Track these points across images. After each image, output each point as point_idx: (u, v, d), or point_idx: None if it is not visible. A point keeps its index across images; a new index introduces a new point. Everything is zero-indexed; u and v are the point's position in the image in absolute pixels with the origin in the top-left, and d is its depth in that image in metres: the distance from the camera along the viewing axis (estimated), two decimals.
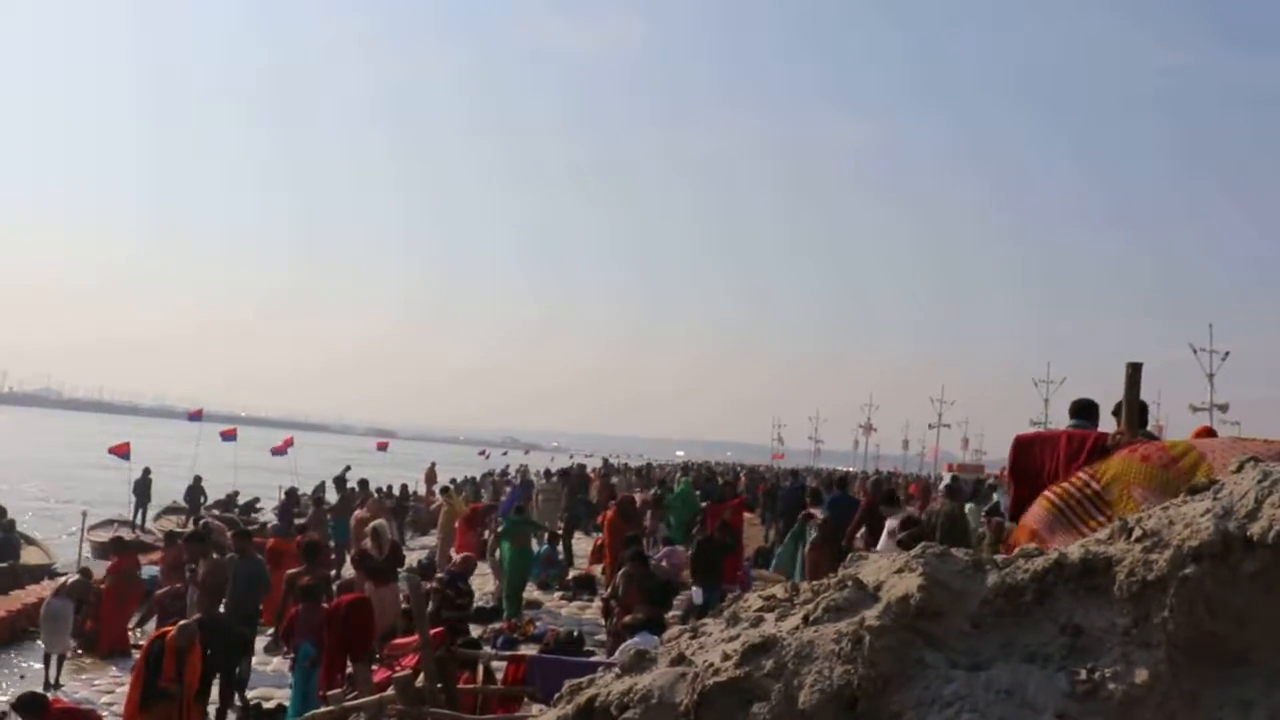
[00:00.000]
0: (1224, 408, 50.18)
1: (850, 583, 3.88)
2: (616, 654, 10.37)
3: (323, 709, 7.92)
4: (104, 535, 28.50)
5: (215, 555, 13.91)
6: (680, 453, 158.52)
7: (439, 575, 13.38)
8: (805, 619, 3.88)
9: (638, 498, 23.21)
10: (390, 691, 7.70)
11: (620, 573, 12.47)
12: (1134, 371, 7.22)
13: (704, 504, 20.51)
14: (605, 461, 49.59)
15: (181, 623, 10.76)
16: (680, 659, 3.88)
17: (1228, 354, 48.95)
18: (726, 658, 3.69)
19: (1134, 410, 7.09)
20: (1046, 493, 6.78)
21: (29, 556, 22.97)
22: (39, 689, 13.55)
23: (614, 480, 36.93)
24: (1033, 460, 7.75)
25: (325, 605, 11.28)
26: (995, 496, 35.67)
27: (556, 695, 4.40)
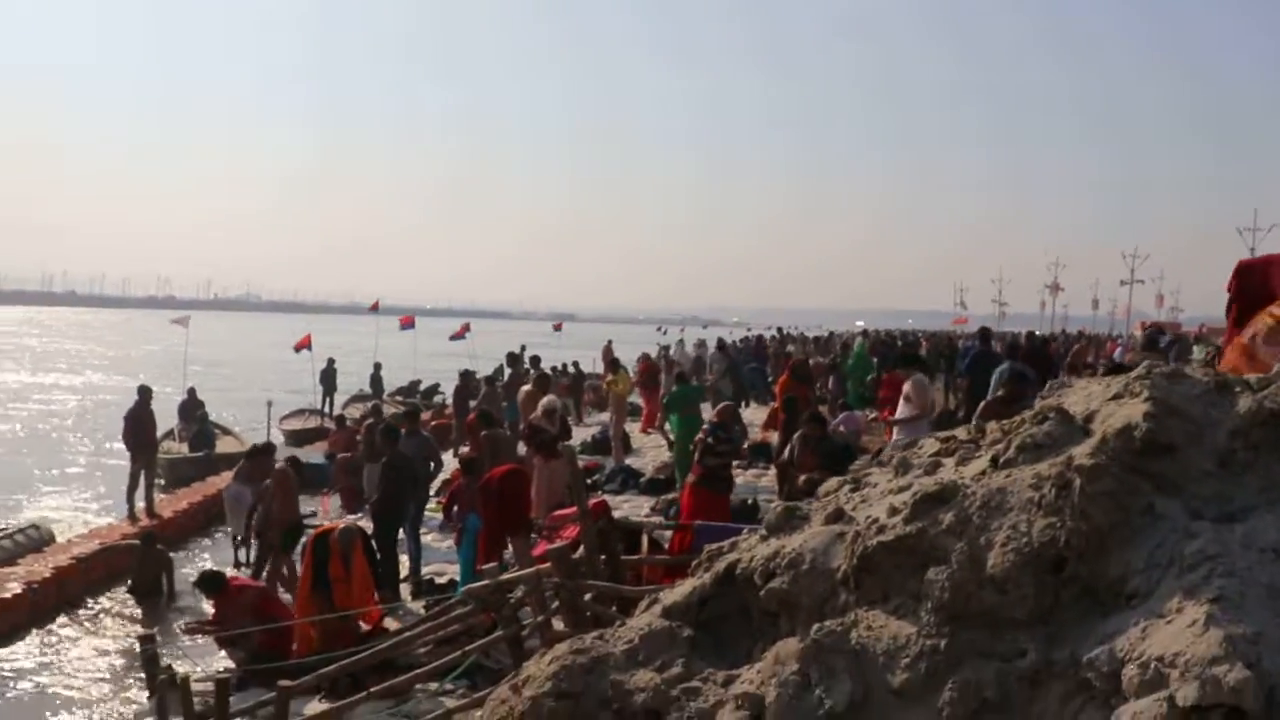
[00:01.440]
0: None
1: (1052, 414, 3.07)
2: None
3: (479, 583, 7.56)
4: (296, 424, 29.51)
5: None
6: (860, 322, 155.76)
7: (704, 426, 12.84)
8: (994, 461, 3.12)
9: (812, 362, 22.45)
10: (548, 564, 7.26)
11: (796, 435, 11.74)
12: None
13: (882, 371, 19.50)
14: (780, 330, 48.58)
15: (343, 525, 10.66)
16: (839, 515, 3.23)
17: None
18: (894, 511, 3.01)
19: None
20: (1272, 308, 5.81)
21: (224, 446, 23.76)
22: (228, 568, 13.89)
23: (790, 349, 36.05)
24: (1259, 286, 6.72)
25: None
26: (1196, 351, 33.46)
27: (694, 561, 3.87)
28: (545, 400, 14.38)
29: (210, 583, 10.11)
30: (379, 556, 11.36)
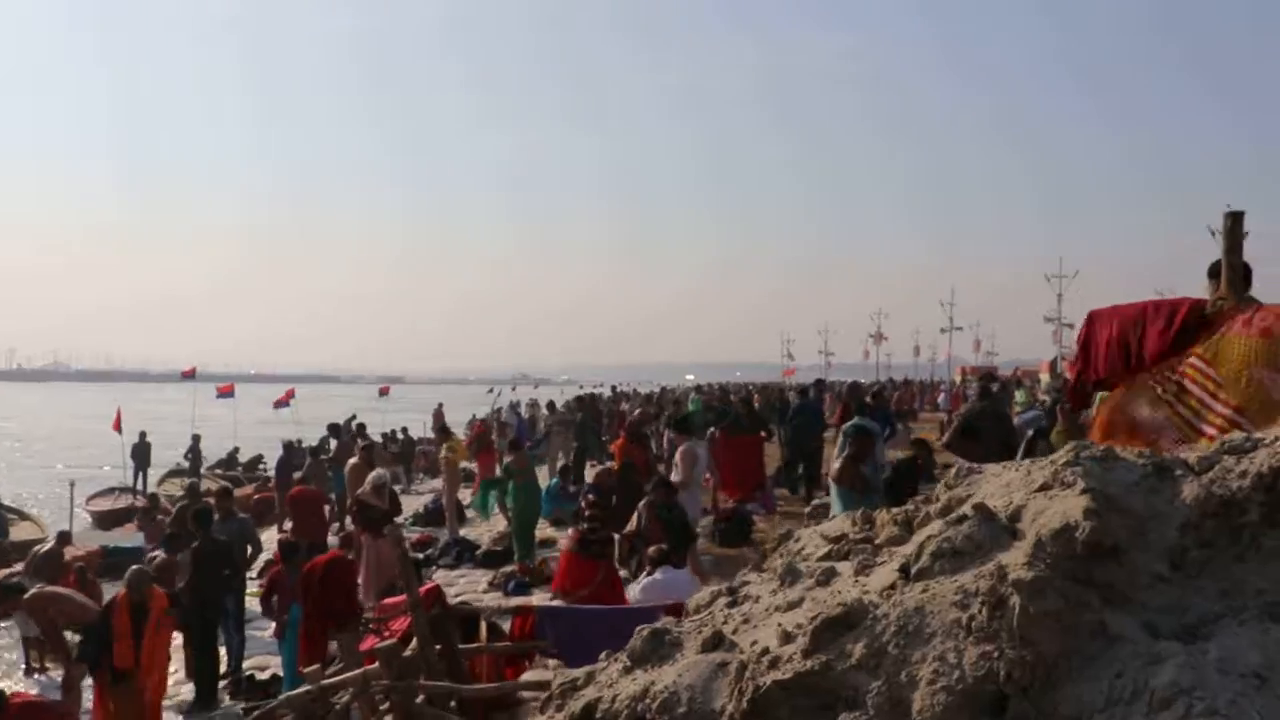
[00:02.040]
0: None
1: (971, 512, 2.64)
2: (637, 592, 9.28)
3: (298, 690, 6.78)
4: (104, 504, 27.45)
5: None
6: (690, 376, 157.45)
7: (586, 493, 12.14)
8: (904, 571, 2.65)
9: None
10: (375, 664, 6.55)
11: (642, 503, 11.20)
12: (1234, 222, 5.94)
13: (716, 433, 19.15)
14: (614, 389, 48.35)
15: (134, 567, 9.65)
16: (718, 640, 2.68)
17: (1247, 234, 47.11)
18: (788, 638, 2.51)
19: (1237, 270, 5.83)
20: (1149, 380, 5.53)
21: (20, 532, 21.81)
22: (21, 673, 12.52)
23: (624, 406, 35.67)
24: (1109, 335, 6.50)
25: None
26: (1019, 394, 34.55)
27: (544, 697, 3.29)
28: (373, 475, 13.59)
29: None
30: (195, 653, 10.36)
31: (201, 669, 10.77)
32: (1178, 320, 5.96)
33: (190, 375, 35.73)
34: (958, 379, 64.14)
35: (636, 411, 28.50)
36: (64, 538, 14.44)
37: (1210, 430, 5.21)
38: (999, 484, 2.70)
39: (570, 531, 10.94)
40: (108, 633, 9.04)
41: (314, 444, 25.09)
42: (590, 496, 11.51)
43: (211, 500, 13.88)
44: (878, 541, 2.91)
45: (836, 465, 9.76)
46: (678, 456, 13.89)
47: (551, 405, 30.76)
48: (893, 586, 2.45)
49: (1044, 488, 2.52)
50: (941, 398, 45.67)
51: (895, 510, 3.05)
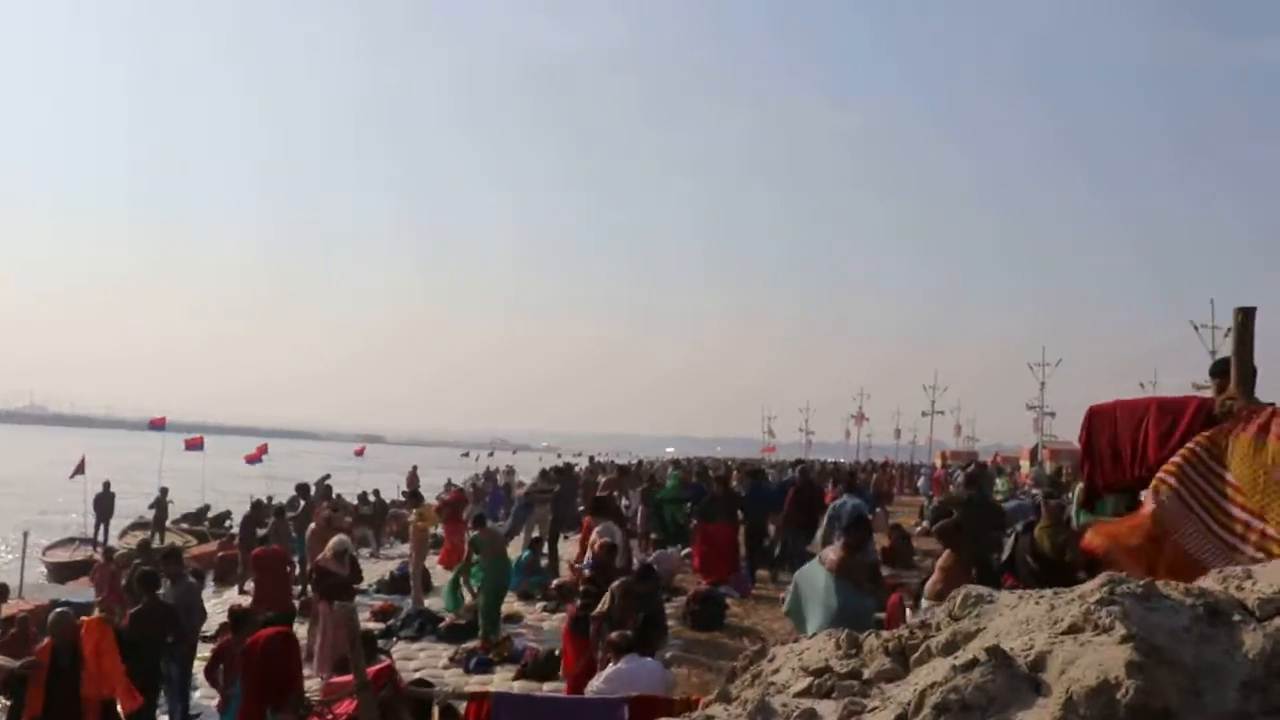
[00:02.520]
0: None
1: (985, 655, 2.25)
2: (599, 681, 8.82)
3: None
4: (62, 555, 26.69)
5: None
6: (670, 449, 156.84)
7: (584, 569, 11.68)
8: None
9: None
10: None
11: (616, 585, 10.70)
12: (1245, 319, 5.65)
13: (693, 521, 18.79)
14: (592, 460, 47.89)
15: (57, 609, 9.20)
16: None
17: (1230, 330, 47.16)
18: None
19: (1246, 368, 5.53)
20: (1163, 476, 5.20)
21: None
22: None
23: (600, 479, 35.15)
24: (1113, 435, 6.17)
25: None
26: (999, 483, 34.19)
27: None
28: (335, 540, 13.13)
29: None
30: None
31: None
32: (1183, 423, 5.63)
33: (160, 425, 35.04)
34: (938, 463, 63.90)
35: (603, 480, 27.98)
36: (2, 592, 13.89)
37: (1223, 531, 4.93)
38: (1015, 619, 2.31)
39: (568, 607, 10.63)
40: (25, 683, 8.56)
41: (283, 502, 24.55)
42: (587, 573, 11.11)
43: (156, 562, 13.37)
44: (867, 676, 2.53)
45: (834, 558, 9.37)
46: (593, 536, 13.83)
47: (544, 473, 30.21)
48: None
49: (1073, 629, 2.13)
50: (921, 481, 45.30)
51: (886, 636, 2.67)
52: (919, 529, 21.64)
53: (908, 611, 8.74)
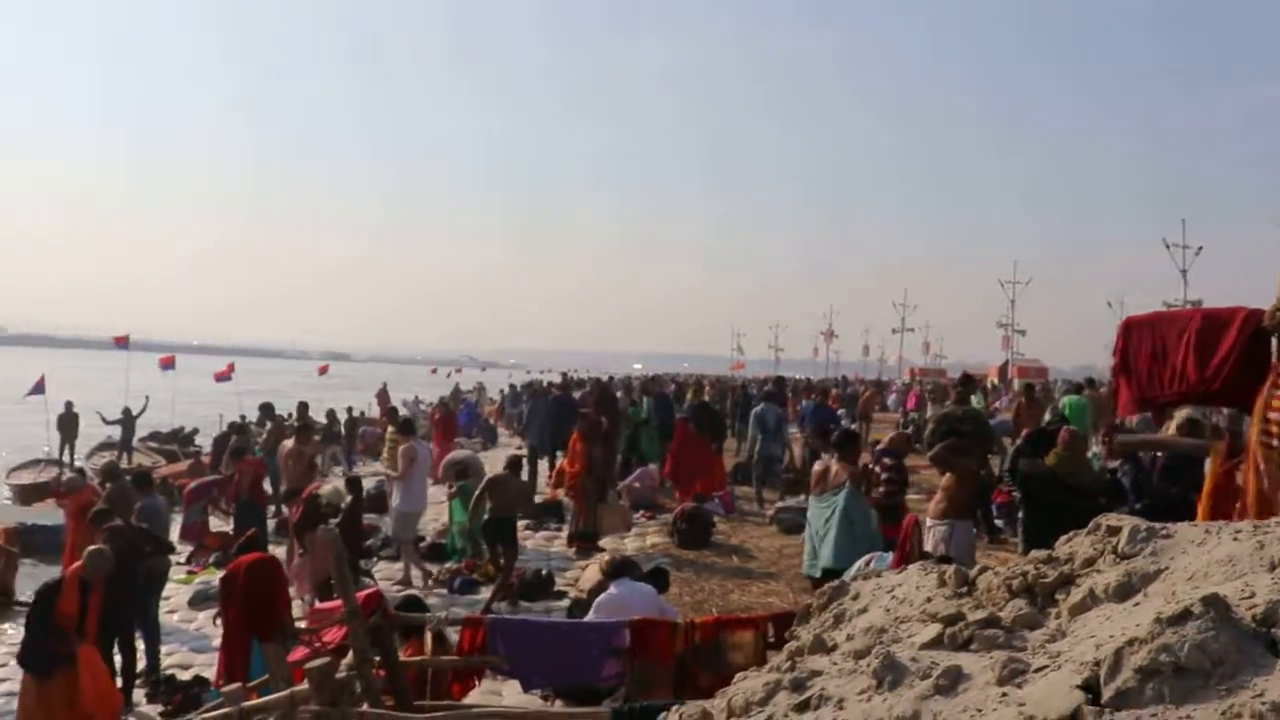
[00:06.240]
0: (1197, 304, 48.87)
1: (1202, 606, 1.85)
2: (593, 607, 8.60)
3: (214, 712, 5.97)
4: (27, 476, 26.10)
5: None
6: (638, 365, 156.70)
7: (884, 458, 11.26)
8: (1090, 689, 1.85)
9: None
10: (304, 685, 5.76)
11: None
12: None
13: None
14: (564, 376, 47.49)
15: (92, 548, 8.68)
16: None
17: (1200, 249, 47.24)
18: None
19: None
20: (1257, 434, 4.89)
21: None
22: None
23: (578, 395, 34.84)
24: (1152, 348, 5.89)
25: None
26: (974, 399, 34.08)
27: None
28: (328, 489, 12.85)
29: None
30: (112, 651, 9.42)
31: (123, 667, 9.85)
32: (1229, 336, 5.32)
33: (123, 343, 34.27)
34: (907, 379, 63.97)
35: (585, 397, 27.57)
36: None
37: None
38: (1211, 559, 1.95)
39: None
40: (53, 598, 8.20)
41: (234, 422, 24.08)
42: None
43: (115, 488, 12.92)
44: (1005, 623, 2.19)
45: (844, 473, 9.25)
46: (399, 453, 13.77)
47: (549, 386, 29.70)
48: (1077, 714, 1.72)
49: (1274, 567, 1.81)
50: (892, 399, 45.19)
51: (1006, 573, 2.34)
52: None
53: (924, 533, 8.51)
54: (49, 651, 8.19)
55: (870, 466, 10.88)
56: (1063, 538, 2.60)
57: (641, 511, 16.35)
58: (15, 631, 12.07)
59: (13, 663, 10.96)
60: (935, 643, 2.27)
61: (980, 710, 1.92)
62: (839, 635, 2.54)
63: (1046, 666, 2.01)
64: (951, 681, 2.06)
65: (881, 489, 10.39)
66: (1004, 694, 1.95)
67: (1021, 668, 2.05)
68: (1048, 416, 17.58)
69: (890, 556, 7.91)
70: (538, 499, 17.15)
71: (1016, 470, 9.71)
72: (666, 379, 49.60)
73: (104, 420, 28.34)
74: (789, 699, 2.22)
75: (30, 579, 15.06)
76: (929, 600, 2.54)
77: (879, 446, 11.97)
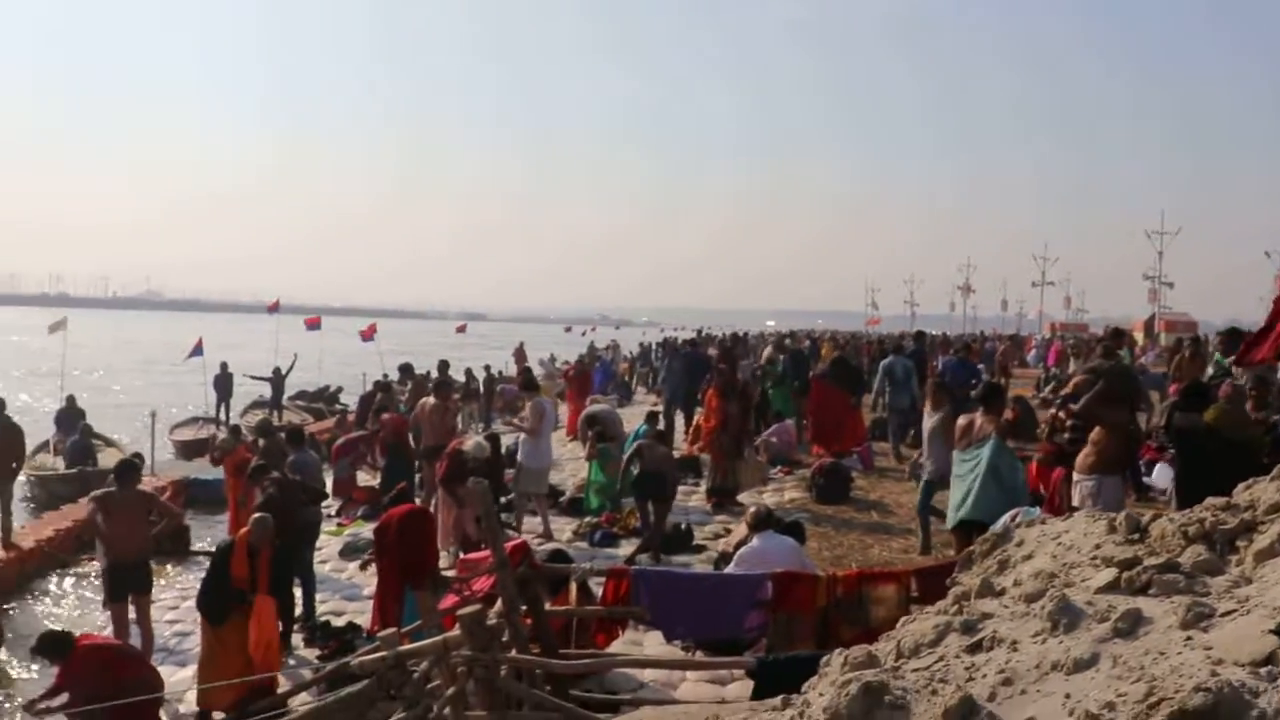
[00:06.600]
0: None
1: None
2: (735, 559, 8.64)
3: (370, 655, 6.20)
4: (188, 433, 27.35)
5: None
6: (771, 323, 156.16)
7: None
8: None
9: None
10: (455, 631, 5.93)
11: None
12: None
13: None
14: (698, 332, 47.47)
15: (256, 516, 9.03)
16: (967, 710, 1.85)
17: None
18: None
19: None
20: None
21: (108, 460, 21.67)
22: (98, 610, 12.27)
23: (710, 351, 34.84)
24: None
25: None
26: (1121, 354, 32.95)
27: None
28: (472, 443, 13.08)
29: (51, 648, 7.97)
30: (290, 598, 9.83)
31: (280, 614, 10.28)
32: None
33: (275, 308, 35.76)
34: (1047, 334, 62.34)
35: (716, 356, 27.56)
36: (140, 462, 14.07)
37: None
38: None
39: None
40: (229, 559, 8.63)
41: (379, 380, 24.67)
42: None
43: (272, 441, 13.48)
44: (1185, 569, 2.15)
45: (989, 426, 9.14)
46: (527, 409, 13.98)
47: (683, 343, 29.62)
48: (1271, 659, 1.68)
49: None
50: (1032, 354, 44.03)
51: (1182, 520, 2.29)
52: (1036, 401, 21.23)
53: (1074, 489, 8.34)
54: (224, 603, 8.58)
55: (1055, 413, 10.73)
56: (1241, 485, 2.52)
57: (779, 467, 16.34)
58: (193, 578, 12.79)
59: (184, 604, 11.58)
60: (1111, 587, 2.22)
61: (1164, 653, 1.88)
62: (1005, 580, 2.52)
63: (1234, 611, 1.96)
64: (1131, 625, 2.02)
65: (1066, 435, 10.19)
66: (1188, 637, 1.91)
67: (1207, 611, 1.99)
68: (1210, 371, 16.95)
69: (1037, 511, 7.77)
70: (675, 454, 17.24)
71: (1171, 426, 9.41)
72: (801, 334, 49.26)
73: (251, 379, 29.50)
74: (960, 640, 2.21)
75: (197, 530, 15.88)
76: (1098, 546, 2.49)
77: (1063, 392, 11.74)
